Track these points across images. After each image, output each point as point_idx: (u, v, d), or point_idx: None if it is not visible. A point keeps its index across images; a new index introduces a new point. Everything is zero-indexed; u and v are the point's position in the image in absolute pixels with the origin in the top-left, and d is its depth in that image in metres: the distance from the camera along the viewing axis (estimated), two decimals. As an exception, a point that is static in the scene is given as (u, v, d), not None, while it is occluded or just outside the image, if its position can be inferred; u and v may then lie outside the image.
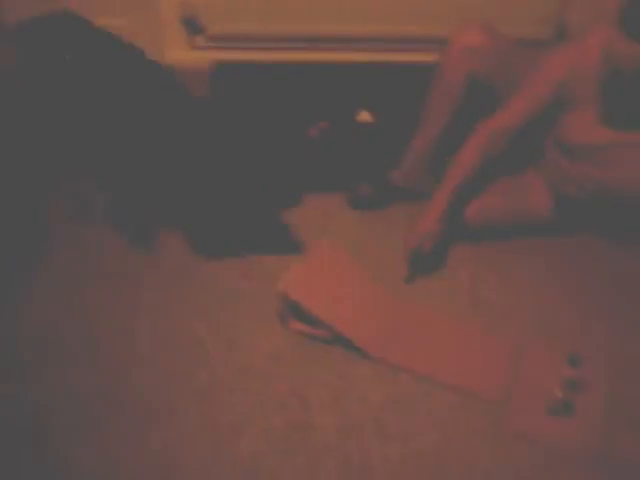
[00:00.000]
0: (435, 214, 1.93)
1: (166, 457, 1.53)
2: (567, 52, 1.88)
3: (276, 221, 2.01)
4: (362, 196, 2.14)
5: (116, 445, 1.54)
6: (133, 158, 1.92)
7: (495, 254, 2.05)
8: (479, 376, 1.72)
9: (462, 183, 1.94)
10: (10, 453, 1.52)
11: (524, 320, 1.87)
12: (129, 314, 1.82)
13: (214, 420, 1.60)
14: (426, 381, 1.70)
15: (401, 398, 1.66)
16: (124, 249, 1.97)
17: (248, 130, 2.14)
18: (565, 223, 2.08)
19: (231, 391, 1.65)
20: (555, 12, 2.42)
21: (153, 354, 1.73)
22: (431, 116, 2.04)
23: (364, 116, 2.28)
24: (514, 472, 1.54)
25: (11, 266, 1.90)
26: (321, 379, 1.69)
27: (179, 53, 2.54)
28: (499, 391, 1.69)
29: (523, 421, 1.63)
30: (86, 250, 1.98)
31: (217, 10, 2.35)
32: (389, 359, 1.73)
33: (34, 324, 1.78)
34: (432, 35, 2.39)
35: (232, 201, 1.94)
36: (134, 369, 1.69)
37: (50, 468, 1.50)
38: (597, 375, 1.72)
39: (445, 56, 1.99)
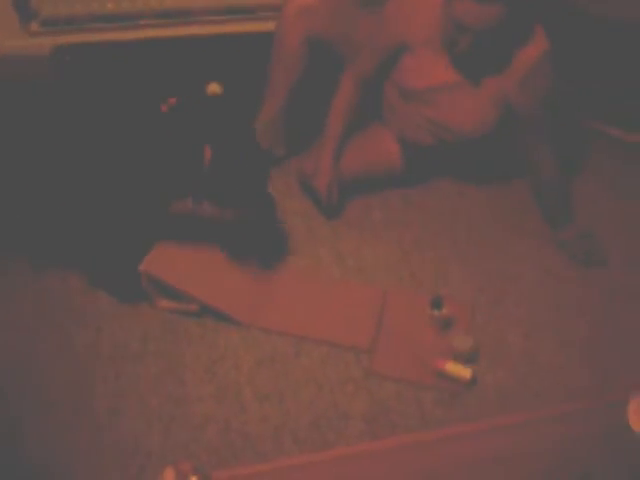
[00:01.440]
0: (329, 163, 2.02)
1: (46, 450, 1.50)
2: (400, 2, 1.93)
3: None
4: None
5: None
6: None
7: (353, 210, 2.11)
8: (349, 328, 1.78)
9: (342, 129, 2.04)
10: None
11: (387, 270, 1.95)
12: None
13: (90, 408, 1.58)
14: (298, 340, 1.75)
15: (274, 359, 1.70)
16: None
17: (97, 114, 2.08)
18: (417, 171, 2.17)
19: (104, 378, 1.64)
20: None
21: (19, 351, 1.68)
22: (276, 81, 2.07)
23: (213, 88, 2.27)
24: (387, 412, 1.61)
25: None
26: (194, 352, 1.70)
27: (15, 41, 2.42)
28: (368, 340, 1.75)
29: (390, 364, 1.71)
30: None
31: (48, -8, 2.26)
32: (259, 323, 1.77)
33: None
34: (273, 3, 2.41)
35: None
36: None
37: None
38: (458, 313, 1.81)
39: (282, 19, 2.02)
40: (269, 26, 2.22)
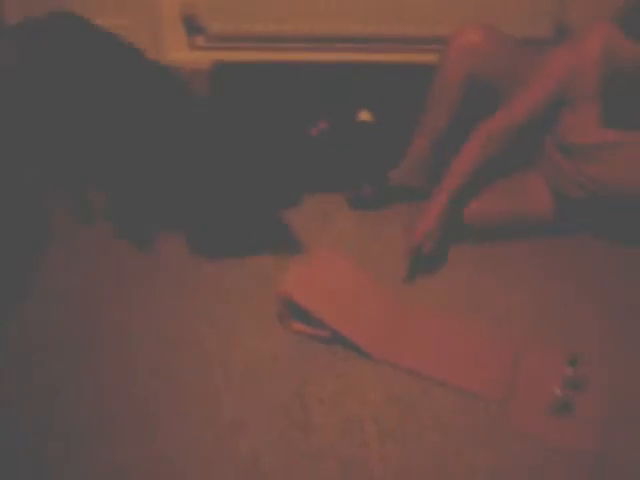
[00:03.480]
0: (435, 213, 1.92)
1: (167, 458, 1.53)
2: (567, 51, 1.88)
3: (276, 221, 2.01)
4: (363, 196, 2.14)
5: (118, 447, 1.54)
6: (133, 158, 1.93)
7: (494, 255, 2.05)
8: (479, 375, 1.72)
9: (463, 183, 1.94)
10: (10, 454, 1.52)
11: (524, 320, 1.87)
12: (129, 315, 1.82)
13: (214, 421, 1.60)
14: (426, 380, 1.70)
15: (401, 398, 1.66)
16: (125, 249, 1.98)
17: (248, 130, 2.14)
18: (566, 224, 2.09)
19: (231, 391, 1.66)
20: (556, 11, 2.41)
21: (153, 356, 1.73)
22: (431, 116, 2.05)
23: (364, 115, 2.28)
24: (515, 471, 1.54)
25: (12, 265, 1.91)
26: (321, 379, 1.69)
27: (180, 53, 2.54)
28: (499, 390, 1.69)
29: (523, 420, 1.63)
30: (87, 250, 1.99)
31: (217, 10, 2.35)
32: (389, 359, 1.73)
33: (35, 324, 1.79)
34: (432, 35, 2.40)
35: (232, 201, 1.94)
36: (134, 370, 1.69)
37: (49, 470, 1.50)
38: (597, 375, 1.72)
39: (444, 56, 2.00)
40: (426, 58, 2.22)
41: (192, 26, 2.46)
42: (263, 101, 2.34)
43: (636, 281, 2.01)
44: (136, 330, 1.78)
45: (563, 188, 2.01)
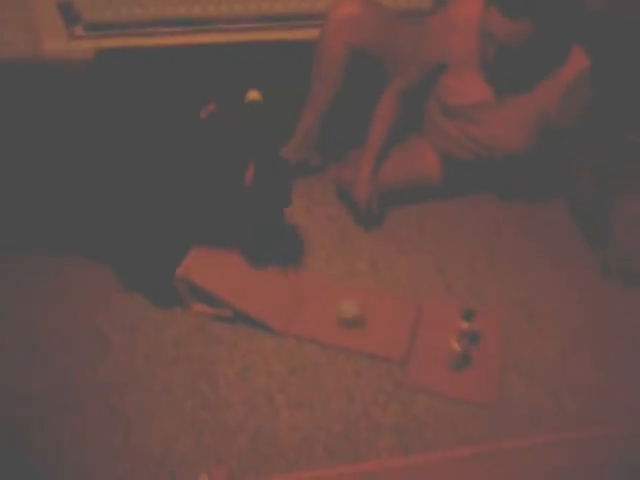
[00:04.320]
0: (367, 177, 2.01)
1: (76, 450, 1.51)
2: (438, 20, 1.94)
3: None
4: None
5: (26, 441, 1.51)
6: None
7: (390, 220, 2.11)
8: (382, 339, 1.77)
9: (383, 140, 2.04)
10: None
11: (422, 281, 1.94)
12: (29, 312, 1.78)
13: (122, 409, 1.59)
14: (330, 349, 1.74)
15: (306, 368, 1.70)
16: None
17: (135, 119, 2.10)
18: (455, 186, 2.16)
19: (137, 379, 1.65)
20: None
21: (54, 351, 1.69)
22: (316, 91, 2.07)
23: (253, 95, 2.28)
24: (420, 426, 1.60)
25: None
26: (227, 357, 1.70)
27: (58, 45, 2.46)
28: (400, 351, 1.74)
29: (425, 378, 1.69)
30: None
31: (91, -4, 2.29)
32: (292, 331, 1.76)
33: None
34: (314, 11, 2.42)
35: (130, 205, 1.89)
36: (36, 367, 1.66)
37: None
38: (491, 327, 1.80)
39: (324, 29, 2.02)
40: (312, 34, 2.23)
41: (69, 15, 2.39)
42: (149, 88, 2.30)
43: (525, 237, 2.11)
44: (36, 327, 1.74)
45: (449, 151, 2.08)
